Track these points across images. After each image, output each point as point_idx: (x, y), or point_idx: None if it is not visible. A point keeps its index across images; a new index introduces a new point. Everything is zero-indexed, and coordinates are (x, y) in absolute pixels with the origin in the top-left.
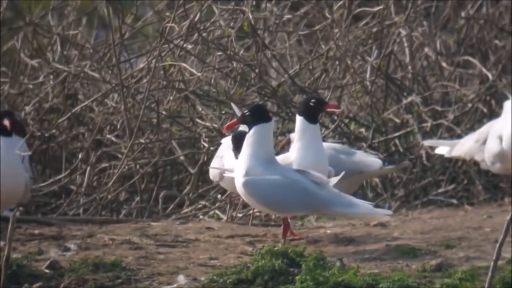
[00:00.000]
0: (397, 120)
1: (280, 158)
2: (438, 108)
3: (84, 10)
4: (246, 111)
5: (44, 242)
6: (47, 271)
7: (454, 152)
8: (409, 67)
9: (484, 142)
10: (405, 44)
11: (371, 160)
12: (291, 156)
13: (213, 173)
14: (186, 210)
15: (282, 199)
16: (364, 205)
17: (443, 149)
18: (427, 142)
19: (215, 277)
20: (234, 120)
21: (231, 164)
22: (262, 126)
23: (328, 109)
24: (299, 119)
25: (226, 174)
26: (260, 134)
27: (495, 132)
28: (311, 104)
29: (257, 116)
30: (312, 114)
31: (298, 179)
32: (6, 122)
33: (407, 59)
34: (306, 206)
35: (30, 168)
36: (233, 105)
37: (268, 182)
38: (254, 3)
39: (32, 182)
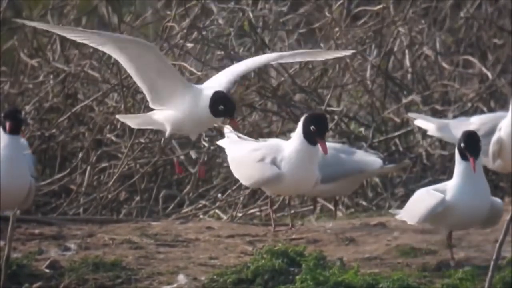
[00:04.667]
0: (397, 120)
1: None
2: (438, 107)
3: (83, 10)
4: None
5: (44, 241)
6: (47, 270)
7: (441, 134)
8: (409, 66)
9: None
10: (405, 43)
11: (371, 160)
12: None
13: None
14: (186, 210)
15: None
16: None
17: (426, 124)
18: (411, 115)
19: (215, 277)
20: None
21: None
22: None
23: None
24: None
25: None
26: None
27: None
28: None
29: None
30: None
31: None
32: (8, 124)
33: (407, 58)
34: None
35: (33, 168)
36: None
37: None
38: (252, 1)
39: (35, 184)
